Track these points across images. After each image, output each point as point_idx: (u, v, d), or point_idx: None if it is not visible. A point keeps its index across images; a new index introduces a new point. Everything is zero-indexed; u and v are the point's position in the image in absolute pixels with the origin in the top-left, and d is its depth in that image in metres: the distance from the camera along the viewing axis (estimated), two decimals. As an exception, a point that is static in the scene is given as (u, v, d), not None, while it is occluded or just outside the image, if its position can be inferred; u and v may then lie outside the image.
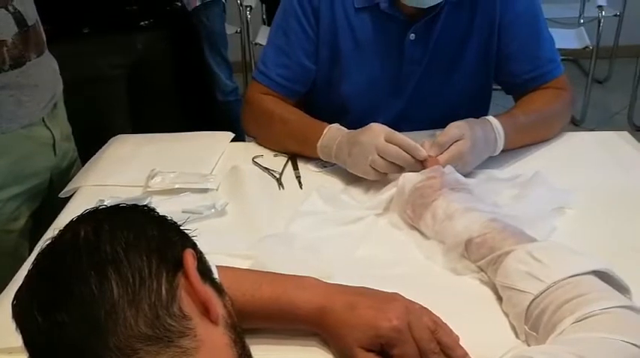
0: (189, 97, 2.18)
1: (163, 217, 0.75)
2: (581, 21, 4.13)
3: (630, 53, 3.78)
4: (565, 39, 3.78)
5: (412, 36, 1.46)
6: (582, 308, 0.79)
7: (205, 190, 1.31)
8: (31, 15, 1.42)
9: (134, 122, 1.97)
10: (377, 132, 1.27)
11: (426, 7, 1.39)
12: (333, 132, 1.36)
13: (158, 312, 0.64)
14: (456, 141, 1.26)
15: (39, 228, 1.38)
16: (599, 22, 3.60)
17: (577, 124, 3.82)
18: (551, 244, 0.98)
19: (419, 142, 1.27)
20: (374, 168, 1.26)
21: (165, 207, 0.79)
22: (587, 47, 3.64)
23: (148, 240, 0.69)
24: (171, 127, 1.65)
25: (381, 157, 1.25)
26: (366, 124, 1.31)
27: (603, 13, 3.59)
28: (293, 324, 0.92)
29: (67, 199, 1.36)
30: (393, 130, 1.28)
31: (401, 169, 1.24)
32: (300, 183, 1.37)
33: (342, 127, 1.37)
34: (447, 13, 1.44)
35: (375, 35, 1.48)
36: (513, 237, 0.99)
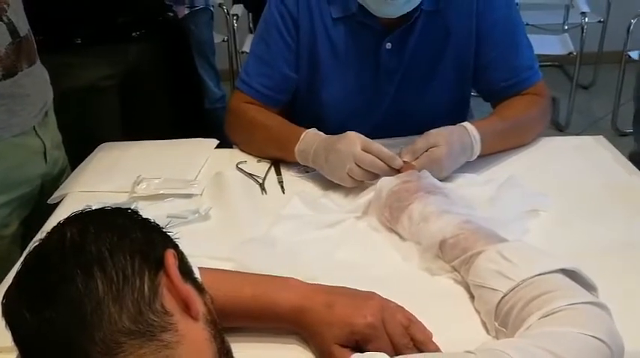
0: (179, 106, 2.21)
1: (146, 220, 0.79)
2: (566, 27, 4.19)
3: (614, 59, 3.83)
4: (549, 45, 3.84)
5: (388, 45, 1.50)
6: (549, 304, 0.83)
7: (189, 195, 1.35)
8: (23, 26, 1.45)
9: (125, 131, 1.99)
10: (353, 141, 1.30)
11: (395, 16, 1.42)
12: (310, 137, 1.40)
13: (141, 308, 0.68)
14: (432, 147, 1.30)
15: (30, 234, 1.40)
16: (583, 28, 3.65)
17: (562, 130, 3.87)
18: (520, 244, 1.02)
19: (396, 149, 1.31)
20: (351, 176, 1.30)
21: (150, 212, 0.82)
22: (571, 53, 3.70)
23: (132, 240, 0.73)
24: (161, 136, 1.68)
25: (358, 166, 1.28)
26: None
27: (586, 19, 3.64)
28: (273, 323, 0.95)
29: (56, 205, 1.39)
30: (368, 139, 1.31)
31: (377, 177, 1.28)
32: (282, 187, 1.40)
33: (320, 132, 1.41)
34: (422, 22, 1.47)
35: (351, 44, 1.52)
36: (485, 238, 1.02)
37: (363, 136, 1.32)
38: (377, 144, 1.30)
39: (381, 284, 0.98)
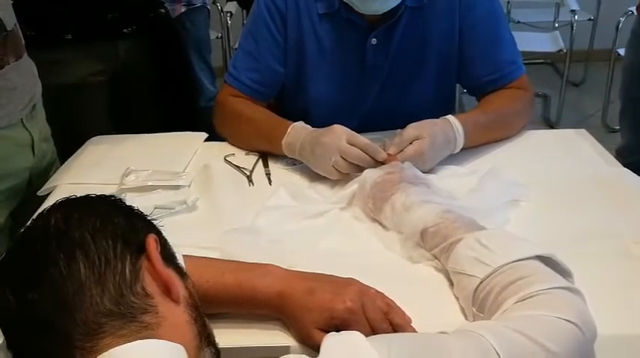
0: (171, 103, 2.21)
1: (130, 207, 0.81)
2: (556, 25, 4.22)
3: (604, 57, 3.86)
4: (540, 42, 3.87)
5: (373, 41, 1.52)
6: (524, 289, 0.84)
7: (177, 187, 1.37)
8: (10, 20, 1.46)
9: (115, 127, 1.99)
10: (339, 134, 1.32)
11: (380, 13, 1.44)
12: (297, 131, 1.42)
13: (122, 291, 0.70)
14: (415, 140, 1.32)
15: (18, 226, 1.42)
16: (573, 26, 3.67)
17: (552, 126, 3.89)
18: (498, 232, 1.04)
19: (381, 142, 1.33)
20: (336, 169, 1.32)
21: (138, 202, 0.84)
22: (561, 50, 3.73)
23: (114, 226, 0.75)
24: (151, 132, 1.69)
25: (343, 158, 1.30)
26: None
27: (576, 17, 3.67)
28: (256, 309, 0.97)
29: (45, 198, 1.41)
30: (354, 132, 1.33)
31: (362, 169, 1.30)
32: (269, 180, 1.42)
33: (307, 125, 1.43)
34: (407, 18, 1.50)
35: (337, 40, 1.54)
36: (465, 227, 1.04)
37: (348, 130, 1.34)
38: (362, 138, 1.32)
39: (363, 272, 0.99)
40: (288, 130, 1.43)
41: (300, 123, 1.44)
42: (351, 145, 1.31)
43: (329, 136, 1.33)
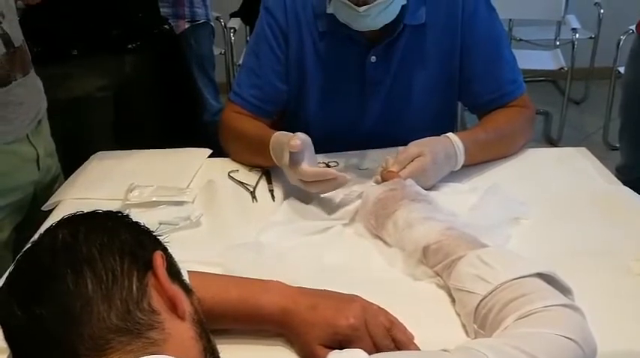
0: (175, 118, 2.23)
1: (136, 223, 0.82)
2: (557, 42, 4.23)
3: (605, 74, 3.87)
4: (541, 60, 3.89)
5: (373, 58, 1.53)
6: (525, 306, 0.85)
7: (181, 203, 1.38)
8: (17, 37, 1.48)
9: (119, 142, 2.00)
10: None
11: (375, 29, 1.45)
12: (277, 138, 1.39)
13: (129, 307, 0.70)
14: (417, 157, 1.33)
15: (22, 241, 1.42)
16: (574, 44, 3.69)
17: (554, 144, 3.90)
18: (499, 250, 1.05)
19: (382, 160, 1.35)
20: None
21: (142, 218, 0.85)
22: (562, 68, 3.75)
23: (121, 242, 0.76)
24: (154, 147, 1.70)
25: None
26: (334, 144, 1.36)
27: (577, 35, 3.68)
28: (259, 325, 0.98)
29: (49, 212, 1.42)
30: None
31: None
32: (272, 196, 1.43)
33: (286, 133, 1.37)
34: (407, 36, 1.51)
35: (338, 58, 1.56)
36: (466, 244, 1.05)
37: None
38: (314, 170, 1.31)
39: (366, 288, 1.00)
40: (271, 141, 1.41)
41: (279, 133, 1.41)
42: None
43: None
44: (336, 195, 1.37)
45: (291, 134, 1.32)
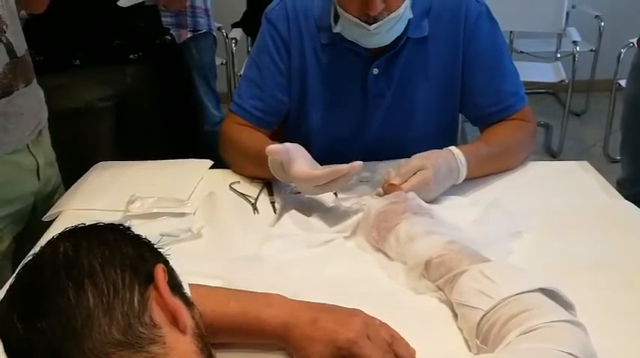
0: (177, 128, 2.23)
1: (137, 236, 0.82)
2: (558, 55, 4.24)
3: (605, 87, 3.88)
4: (542, 72, 3.90)
5: (375, 71, 1.54)
6: (527, 321, 0.85)
7: (182, 214, 1.37)
8: (21, 46, 1.48)
9: (121, 152, 2.01)
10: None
11: (384, 45, 1.46)
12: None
13: (130, 321, 0.70)
14: (419, 170, 1.33)
15: (22, 251, 1.42)
16: (575, 56, 3.70)
17: (554, 156, 3.91)
18: (502, 264, 1.04)
19: (384, 172, 1.35)
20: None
21: (143, 230, 0.84)
22: (563, 81, 3.75)
23: (123, 255, 0.75)
24: (156, 157, 1.70)
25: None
26: (336, 155, 1.36)
27: (578, 48, 3.69)
28: (260, 339, 0.97)
29: (50, 223, 1.41)
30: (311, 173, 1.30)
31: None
32: (274, 207, 1.42)
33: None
34: (410, 49, 1.52)
35: (340, 70, 1.56)
36: (469, 258, 1.04)
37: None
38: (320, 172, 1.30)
39: (367, 302, 1.00)
40: (269, 159, 1.39)
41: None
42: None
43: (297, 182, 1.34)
44: (338, 207, 1.37)
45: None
